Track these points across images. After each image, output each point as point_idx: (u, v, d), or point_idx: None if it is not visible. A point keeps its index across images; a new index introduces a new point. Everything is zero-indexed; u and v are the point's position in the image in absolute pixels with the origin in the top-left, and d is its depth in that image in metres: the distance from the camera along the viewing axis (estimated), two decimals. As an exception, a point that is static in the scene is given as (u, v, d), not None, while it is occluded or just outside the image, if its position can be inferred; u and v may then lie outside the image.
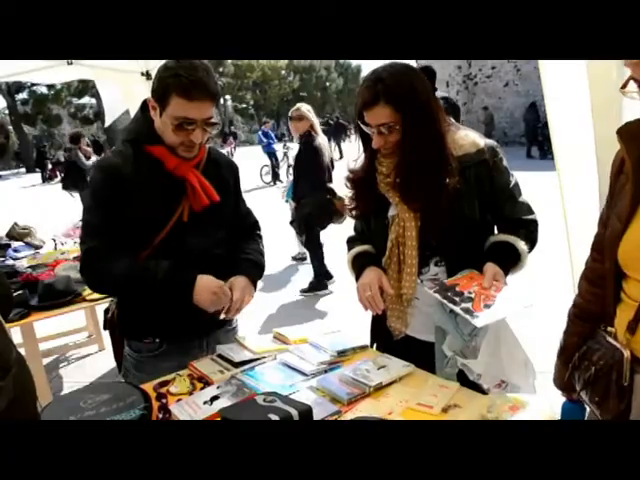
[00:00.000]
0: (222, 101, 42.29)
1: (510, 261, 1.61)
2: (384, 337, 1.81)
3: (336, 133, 22.67)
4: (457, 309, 1.45)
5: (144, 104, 1.68)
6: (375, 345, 1.86)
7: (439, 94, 1.69)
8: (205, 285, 1.63)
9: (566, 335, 1.47)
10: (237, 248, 1.86)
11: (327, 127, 17.88)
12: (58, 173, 24.13)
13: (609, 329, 1.32)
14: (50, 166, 25.37)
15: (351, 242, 1.87)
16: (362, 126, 1.58)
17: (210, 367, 1.66)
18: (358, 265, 1.76)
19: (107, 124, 4.46)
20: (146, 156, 1.65)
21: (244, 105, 44.83)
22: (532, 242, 1.65)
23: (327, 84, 52.72)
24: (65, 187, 8.46)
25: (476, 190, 1.59)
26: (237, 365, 1.65)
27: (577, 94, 1.75)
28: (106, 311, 1.98)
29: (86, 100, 38.28)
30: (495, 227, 1.72)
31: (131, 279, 1.64)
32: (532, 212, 1.68)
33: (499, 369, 1.48)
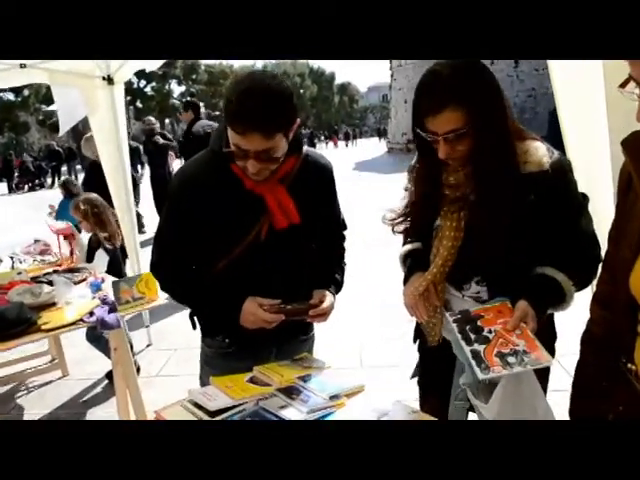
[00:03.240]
0: (195, 108, 41.93)
1: (550, 302, 1.41)
2: (421, 342, 1.73)
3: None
4: (467, 350, 1.27)
5: None
6: (418, 342, 1.77)
7: None
8: (249, 314, 1.59)
9: (580, 365, 1.30)
10: (324, 264, 1.79)
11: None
12: (27, 185, 23.44)
13: (629, 366, 1.14)
14: (17, 173, 24.55)
15: (406, 235, 1.72)
16: (423, 135, 1.37)
17: (181, 418, 1.41)
18: (407, 267, 1.66)
19: (62, 132, 4.16)
20: (228, 171, 1.56)
21: (217, 112, 44.48)
22: (584, 283, 1.44)
23: (301, 91, 52.73)
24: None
25: (533, 213, 1.38)
26: (213, 414, 1.40)
27: (591, 89, 1.61)
28: None
29: (55, 107, 37.44)
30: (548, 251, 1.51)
31: (185, 299, 1.75)
32: (595, 246, 1.45)
33: (516, 416, 1.28)
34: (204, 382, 1.82)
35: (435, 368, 1.68)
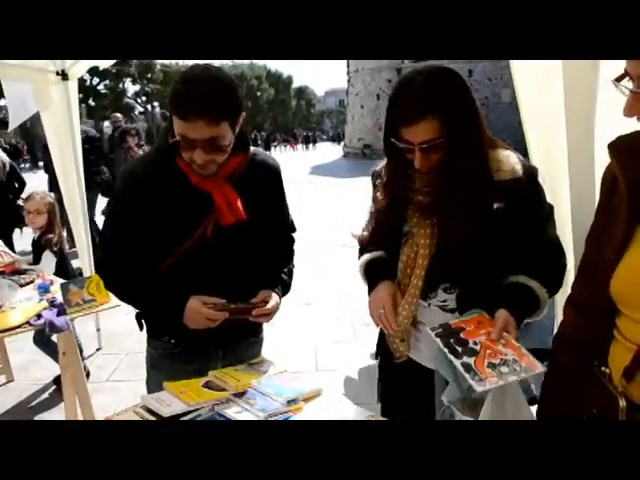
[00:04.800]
0: (150, 108, 41.09)
1: (527, 309, 1.41)
2: (388, 355, 1.65)
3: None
4: (457, 363, 1.25)
5: None
6: (379, 361, 1.74)
7: None
8: (193, 313, 1.56)
9: (552, 368, 1.30)
10: (271, 265, 1.77)
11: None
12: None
13: (603, 369, 1.17)
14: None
15: (363, 244, 1.68)
16: (397, 144, 1.38)
17: (133, 424, 1.38)
18: (371, 275, 1.62)
19: (11, 127, 4.01)
20: (173, 166, 1.55)
21: (173, 113, 43.39)
22: (554, 290, 1.47)
23: (258, 94, 52.51)
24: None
25: (505, 220, 1.39)
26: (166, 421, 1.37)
27: (551, 97, 1.66)
28: None
29: (2, 102, 36.03)
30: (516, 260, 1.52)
31: (129, 298, 1.70)
32: (562, 253, 1.49)
33: None
34: (150, 386, 1.78)
35: (401, 387, 1.64)
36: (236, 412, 1.41)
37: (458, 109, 1.33)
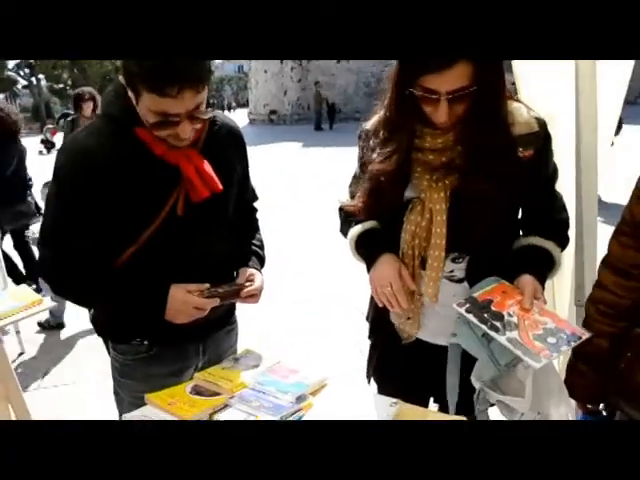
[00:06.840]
0: (34, 81, 37.91)
1: (547, 272, 1.33)
2: (386, 336, 1.52)
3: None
4: (502, 339, 1.13)
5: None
6: (373, 339, 1.60)
7: None
8: (178, 304, 1.36)
9: (591, 338, 1.23)
10: (242, 239, 1.62)
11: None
12: None
13: None
14: None
15: (348, 214, 1.49)
16: (417, 94, 1.22)
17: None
18: (369, 249, 1.44)
19: None
20: (130, 137, 1.33)
21: (61, 85, 40.29)
22: (564, 248, 1.38)
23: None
24: None
25: (523, 177, 1.28)
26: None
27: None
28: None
29: None
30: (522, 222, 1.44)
31: (91, 300, 1.49)
32: (566, 210, 1.41)
33: (537, 400, 1.18)
34: (122, 398, 1.56)
35: (404, 367, 1.50)
36: (242, 419, 1.23)
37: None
